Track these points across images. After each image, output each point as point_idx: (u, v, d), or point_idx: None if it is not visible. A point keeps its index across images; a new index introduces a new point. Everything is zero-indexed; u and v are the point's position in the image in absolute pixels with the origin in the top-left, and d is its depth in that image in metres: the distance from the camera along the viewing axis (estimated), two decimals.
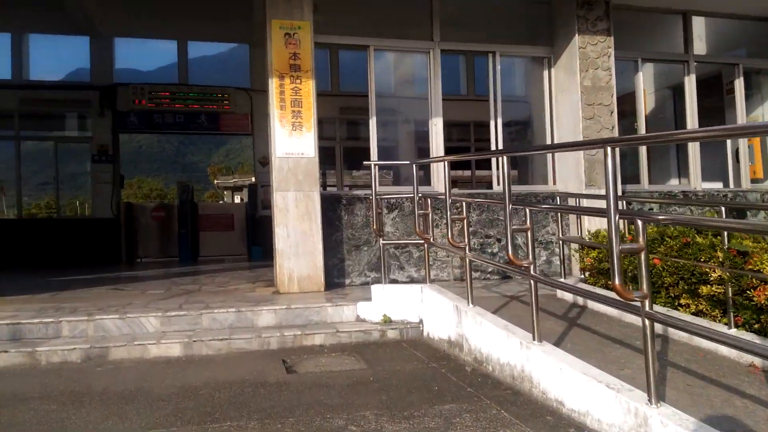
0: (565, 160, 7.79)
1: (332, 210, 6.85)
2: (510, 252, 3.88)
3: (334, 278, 6.81)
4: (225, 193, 44.66)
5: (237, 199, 42.06)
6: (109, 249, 12.76)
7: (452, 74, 14.53)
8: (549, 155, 7.97)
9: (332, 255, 6.82)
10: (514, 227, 3.98)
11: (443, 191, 5.21)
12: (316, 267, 6.40)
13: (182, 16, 13.23)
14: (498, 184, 7.55)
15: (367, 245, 6.95)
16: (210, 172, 68.86)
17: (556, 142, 7.89)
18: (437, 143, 7.48)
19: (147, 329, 5.07)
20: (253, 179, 14.37)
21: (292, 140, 6.35)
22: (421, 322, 5.49)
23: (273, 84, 6.33)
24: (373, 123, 7.32)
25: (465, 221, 4.86)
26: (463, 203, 4.96)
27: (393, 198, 6.94)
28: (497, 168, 7.48)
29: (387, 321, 5.49)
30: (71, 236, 12.58)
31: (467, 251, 4.79)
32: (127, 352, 4.68)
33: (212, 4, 12.57)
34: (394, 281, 6.88)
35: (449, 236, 4.92)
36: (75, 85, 12.93)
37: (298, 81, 6.39)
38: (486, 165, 11.57)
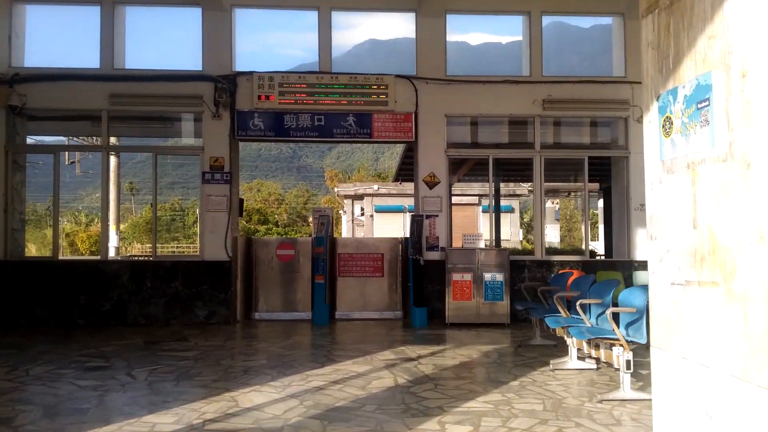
0: None
1: None
2: None
3: None
4: (345, 201, 41.41)
5: (357, 210, 38.64)
6: (220, 302, 9.06)
7: None
8: None
9: None
10: None
11: None
12: None
13: None
14: None
15: None
16: (327, 176, 66.98)
17: None
18: None
19: None
20: (415, 206, 10.09)
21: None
22: None
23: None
24: None
25: None
26: None
27: None
28: None
29: None
30: (171, 284, 9.01)
31: None
32: None
33: None
34: None
35: None
36: (182, 75, 9.40)
37: None
38: None
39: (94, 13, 9.44)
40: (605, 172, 11.66)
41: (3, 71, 9.00)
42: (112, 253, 30.12)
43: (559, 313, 6.24)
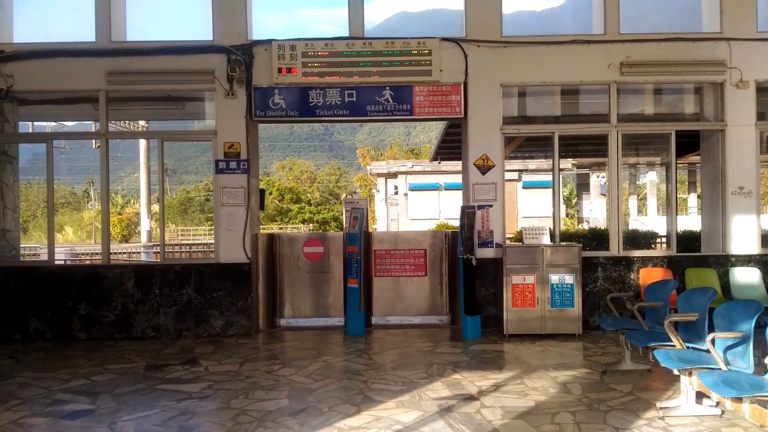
0: None
1: None
2: None
3: None
4: (378, 180, 39.87)
5: (390, 188, 37.12)
6: (239, 311, 7.81)
7: None
8: None
9: None
10: None
11: None
12: None
13: None
14: None
15: None
16: (359, 154, 65.41)
17: None
18: None
19: None
20: (464, 194, 8.61)
21: None
22: None
23: None
24: None
25: None
26: None
27: None
28: None
29: None
30: (183, 291, 7.79)
31: None
32: None
33: None
34: None
35: None
36: (189, 47, 8.02)
37: None
38: None
39: None
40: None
41: None
42: (144, 238, 29.29)
43: (670, 341, 4.73)
